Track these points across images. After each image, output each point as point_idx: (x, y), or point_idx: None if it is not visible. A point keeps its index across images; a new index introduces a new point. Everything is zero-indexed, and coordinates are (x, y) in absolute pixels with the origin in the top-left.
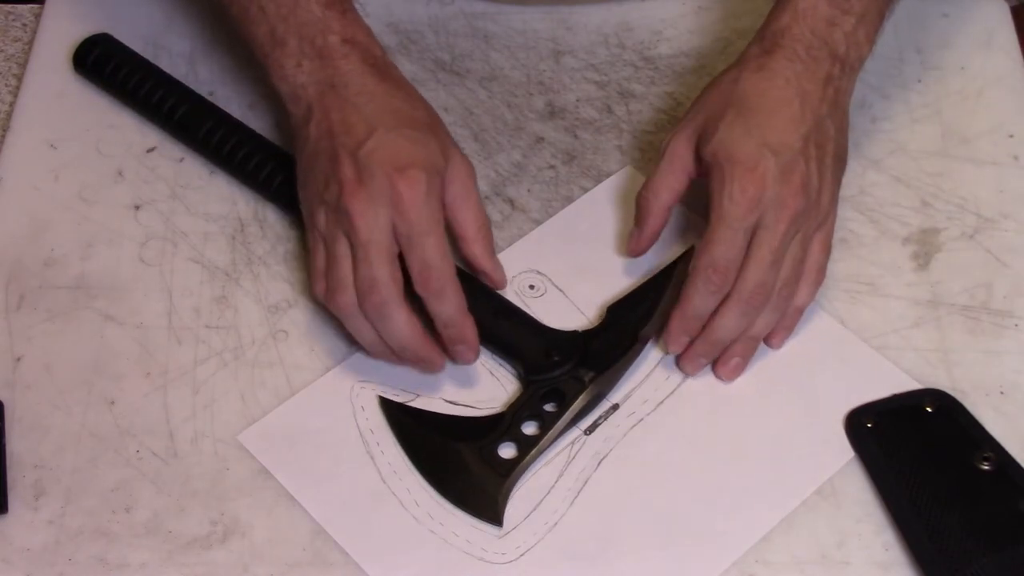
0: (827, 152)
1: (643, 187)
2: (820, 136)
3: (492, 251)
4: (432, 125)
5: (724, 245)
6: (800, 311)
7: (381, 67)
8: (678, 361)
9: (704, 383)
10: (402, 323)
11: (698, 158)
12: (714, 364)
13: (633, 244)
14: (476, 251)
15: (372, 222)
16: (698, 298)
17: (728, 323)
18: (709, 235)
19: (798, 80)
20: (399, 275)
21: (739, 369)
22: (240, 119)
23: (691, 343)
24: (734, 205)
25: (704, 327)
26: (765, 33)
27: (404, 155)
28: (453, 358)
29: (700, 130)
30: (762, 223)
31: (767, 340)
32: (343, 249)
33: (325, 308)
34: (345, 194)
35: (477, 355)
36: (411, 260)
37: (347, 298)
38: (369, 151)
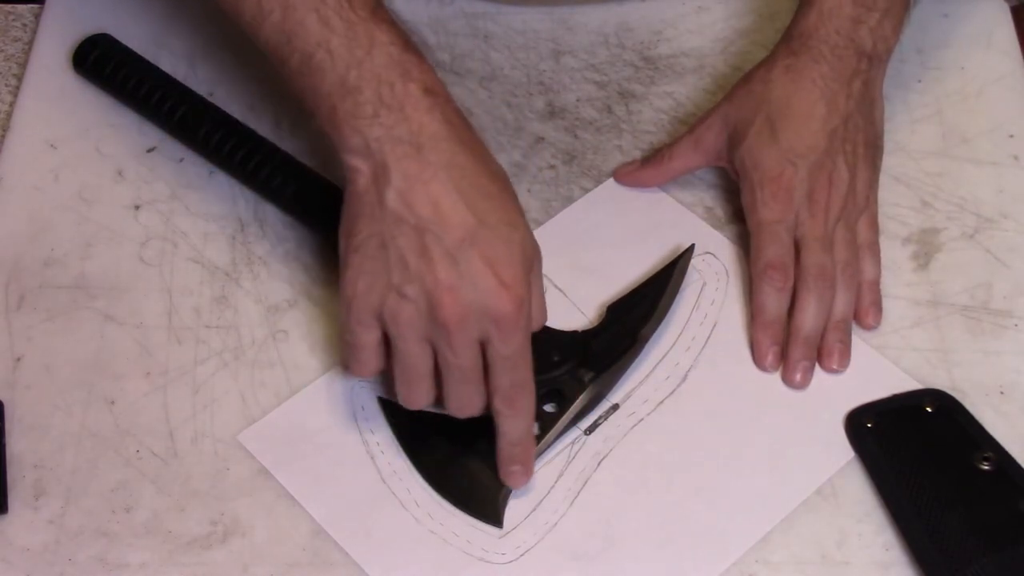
0: (858, 143)
1: (666, 146)
2: (848, 131)
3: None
4: (518, 206)
5: (772, 244)
6: (874, 284)
7: (463, 130)
8: (784, 378)
9: (704, 383)
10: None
11: (727, 154)
12: (821, 362)
13: (624, 173)
14: None
15: (470, 339)
16: (768, 300)
17: (808, 312)
18: (755, 242)
19: (824, 81)
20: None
21: (845, 354)
22: (240, 119)
23: (786, 355)
24: (768, 209)
25: (789, 333)
26: (792, 33)
27: (507, 266)
28: (505, 478)
29: (731, 129)
30: (800, 219)
31: (863, 322)
32: (421, 352)
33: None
34: (444, 303)
35: (529, 480)
36: (502, 379)
37: (423, 406)
38: (469, 256)
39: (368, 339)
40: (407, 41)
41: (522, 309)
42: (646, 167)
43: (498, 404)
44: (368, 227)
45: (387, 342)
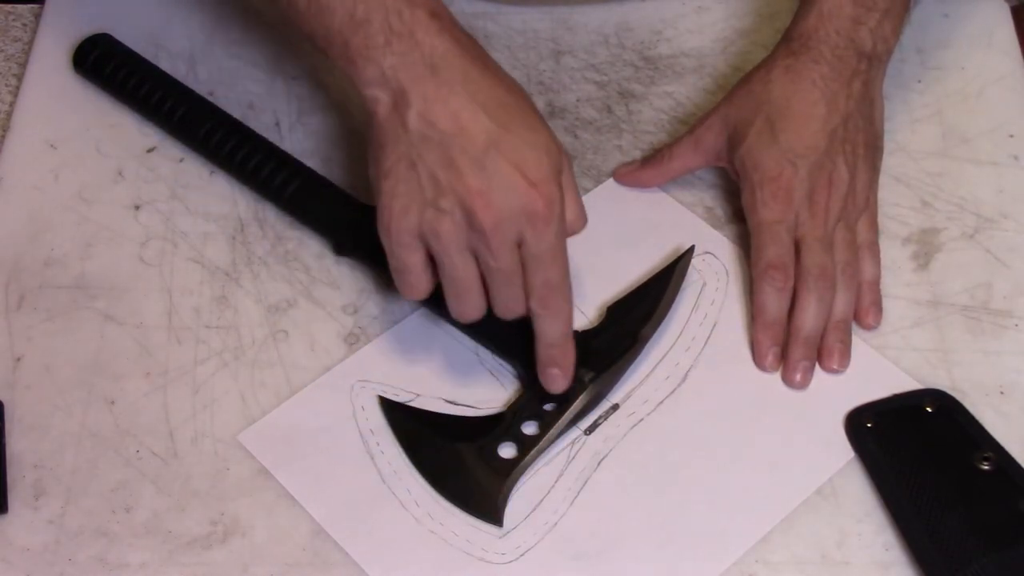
0: (858, 143)
1: (666, 146)
2: (848, 131)
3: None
4: (537, 113)
5: (772, 244)
6: (874, 284)
7: (473, 47)
8: (785, 378)
9: (704, 383)
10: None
11: (727, 155)
12: (821, 362)
13: (624, 173)
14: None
15: (507, 241)
16: (769, 300)
17: (808, 312)
18: (756, 243)
19: (824, 81)
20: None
21: (845, 354)
22: (240, 119)
23: (786, 355)
24: (768, 209)
25: (789, 334)
26: (792, 34)
27: (534, 165)
28: (544, 381)
29: (731, 130)
30: (800, 219)
31: (863, 322)
32: (465, 263)
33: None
34: (478, 208)
35: (569, 383)
36: (535, 277)
37: (476, 317)
38: (495, 161)
39: (413, 260)
40: None
41: (552, 206)
42: (646, 167)
43: (533, 304)
44: (395, 151)
45: (433, 262)
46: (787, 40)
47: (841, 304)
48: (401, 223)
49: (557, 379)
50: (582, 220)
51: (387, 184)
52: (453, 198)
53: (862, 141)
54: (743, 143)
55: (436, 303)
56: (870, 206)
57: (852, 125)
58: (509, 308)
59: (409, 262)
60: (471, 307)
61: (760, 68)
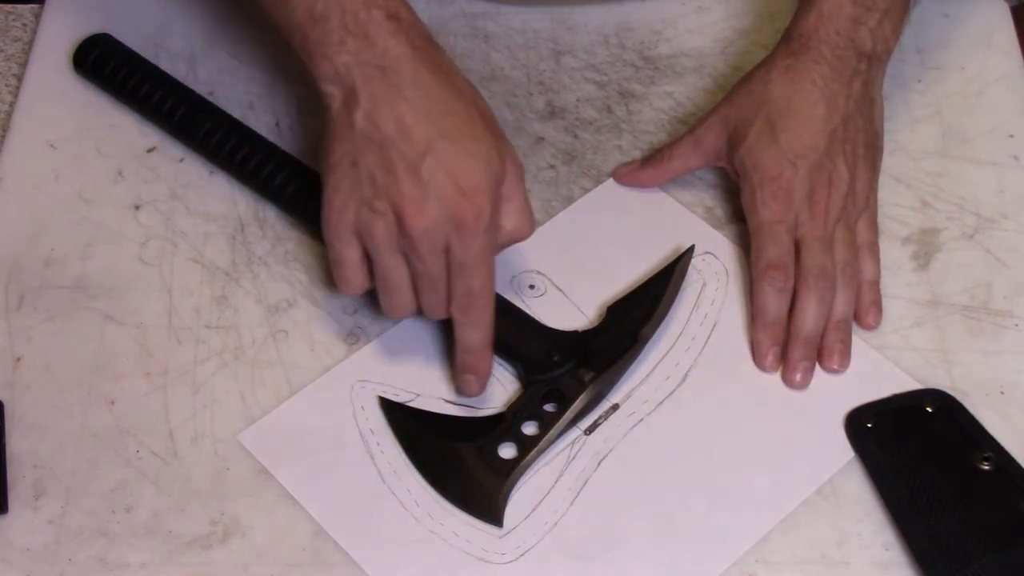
0: (858, 143)
1: (666, 146)
2: (848, 131)
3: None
4: (487, 122)
5: (772, 245)
6: (874, 284)
7: (429, 51)
8: (785, 378)
9: (704, 383)
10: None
11: (727, 155)
12: (821, 362)
13: (624, 173)
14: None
15: (435, 247)
16: (769, 300)
17: (808, 312)
18: (756, 243)
19: (824, 81)
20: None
21: (846, 354)
22: (240, 119)
23: (786, 355)
24: (767, 209)
25: (790, 334)
26: (792, 34)
27: (468, 176)
28: (459, 385)
29: (731, 130)
30: (800, 219)
31: (863, 322)
32: (395, 264)
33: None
34: (408, 214)
35: (483, 390)
36: (458, 284)
37: (405, 316)
38: (431, 168)
39: (349, 255)
40: None
41: (480, 217)
42: (646, 167)
43: (454, 310)
44: (341, 148)
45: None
46: (787, 40)
47: (841, 304)
48: (339, 219)
49: (471, 384)
50: (527, 228)
51: (331, 179)
52: (387, 201)
53: (862, 141)
54: (743, 143)
55: None
56: (870, 206)
57: (852, 125)
58: (434, 311)
59: (345, 257)
60: (399, 305)
61: (760, 68)
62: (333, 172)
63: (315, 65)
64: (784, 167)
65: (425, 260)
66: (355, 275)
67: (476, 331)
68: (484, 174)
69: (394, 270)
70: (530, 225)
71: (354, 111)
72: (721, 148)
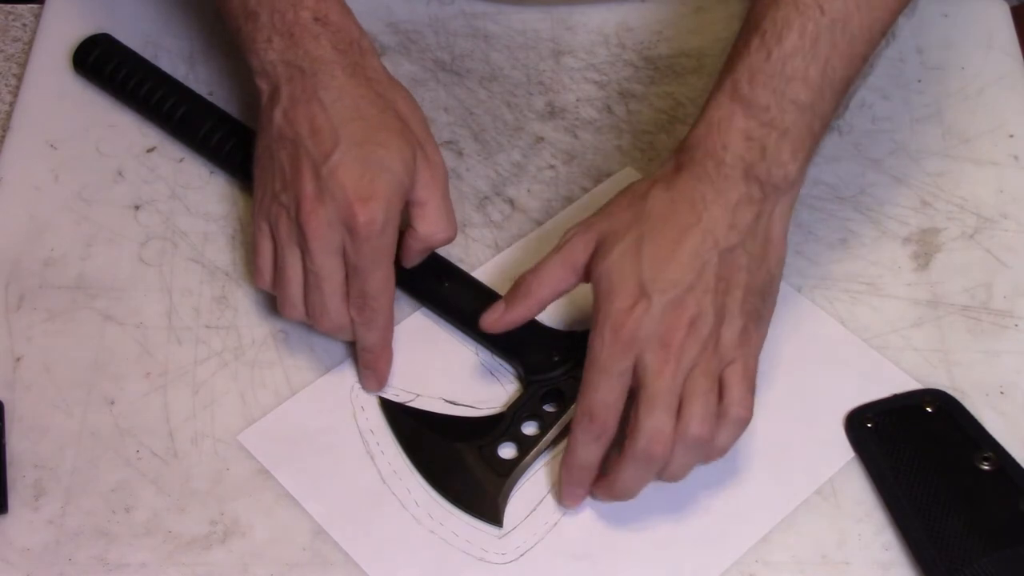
0: (735, 284)
1: (531, 271)
2: (725, 268)
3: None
4: (402, 128)
5: (598, 390)
6: (723, 452)
7: (352, 54)
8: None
9: None
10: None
11: (591, 270)
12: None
13: (492, 320)
14: (415, 249)
15: (327, 247)
16: (580, 448)
17: (627, 477)
18: (584, 377)
19: (705, 203)
20: (346, 299)
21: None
22: (240, 119)
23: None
24: (604, 347)
25: (600, 482)
26: (683, 144)
27: (366, 181)
28: (360, 380)
29: (599, 241)
30: (643, 363)
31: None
32: (293, 259)
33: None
34: (304, 211)
35: (382, 388)
36: (353, 284)
37: (297, 315)
38: (332, 169)
39: (263, 246)
40: None
41: (372, 224)
42: (512, 307)
43: (351, 311)
44: (263, 140)
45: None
46: (678, 150)
47: (676, 467)
48: (258, 208)
49: (370, 380)
50: (443, 232)
51: (255, 170)
52: (291, 196)
53: (742, 283)
54: (605, 260)
55: (436, 303)
56: (740, 358)
57: (731, 262)
58: (316, 313)
59: (260, 246)
60: (288, 301)
61: (643, 179)
62: (256, 163)
63: (247, 59)
64: (638, 300)
65: (314, 257)
66: (265, 265)
67: (371, 332)
68: (383, 181)
69: (289, 264)
70: (447, 229)
71: (275, 107)
72: (588, 262)
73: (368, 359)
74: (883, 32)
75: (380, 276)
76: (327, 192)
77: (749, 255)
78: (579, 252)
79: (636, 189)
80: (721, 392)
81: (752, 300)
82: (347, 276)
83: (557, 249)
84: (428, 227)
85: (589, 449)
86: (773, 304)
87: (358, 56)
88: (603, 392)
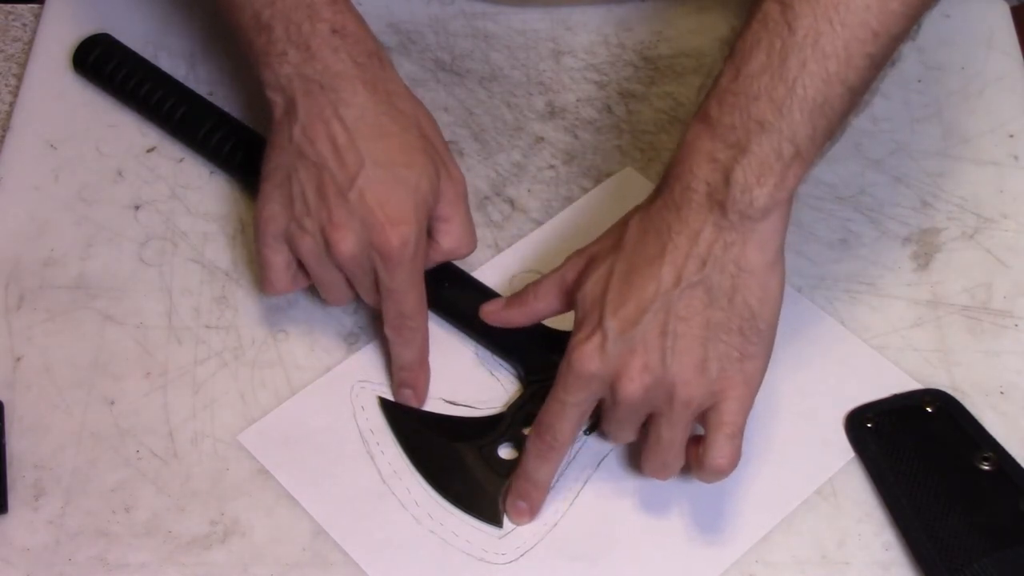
0: (692, 323)
1: (533, 283)
2: (683, 307)
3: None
4: (425, 146)
5: (552, 414)
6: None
7: (372, 69)
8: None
9: None
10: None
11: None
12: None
13: (490, 311)
14: (433, 260)
15: (364, 271)
16: (531, 461)
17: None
18: (549, 394)
19: (670, 234)
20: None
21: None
22: (240, 119)
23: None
24: (562, 376)
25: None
26: (665, 169)
27: (395, 204)
28: (396, 398)
29: (587, 265)
30: (609, 397)
31: None
32: (327, 270)
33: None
34: (333, 239)
35: (421, 403)
36: (387, 308)
37: (348, 298)
38: (359, 193)
39: (275, 260)
40: None
41: (405, 247)
42: (511, 306)
43: (387, 331)
44: (278, 158)
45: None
46: (662, 176)
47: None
48: (268, 226)
49: (409, 399)
50: (466, 247)
51: (266, 186)
52: (316, 223)
53: (703, 323)
54: (583, 286)
55: (436, 303)
56: (726, 401)
57: (692, 298)
58: (368, 298)
59: (271, 261)
60: (336, 299)
61: (636, 207)
62: (268, 180)
63: (259, 71)
64: (593, 333)
65: (354, 276)
66: (279, 278)
67: (409, 349)
68: (411, 202)
69: (325, 275)
70: (469, 243)
71: (292, 124)
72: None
73: (406, 377)
74: (866, 54)
75: (415, 296)
76: (356, 217)
77: (714, 291)
78: (569, 275)
79: (626, 215)
80: (705, 430)
81: (726, 339)
82: (380, 296)
83: (557, 268)
84: (452, 243)
85: (538, 466)
86: (765, 340)
87: (378, 69)
88: (555, 417)
